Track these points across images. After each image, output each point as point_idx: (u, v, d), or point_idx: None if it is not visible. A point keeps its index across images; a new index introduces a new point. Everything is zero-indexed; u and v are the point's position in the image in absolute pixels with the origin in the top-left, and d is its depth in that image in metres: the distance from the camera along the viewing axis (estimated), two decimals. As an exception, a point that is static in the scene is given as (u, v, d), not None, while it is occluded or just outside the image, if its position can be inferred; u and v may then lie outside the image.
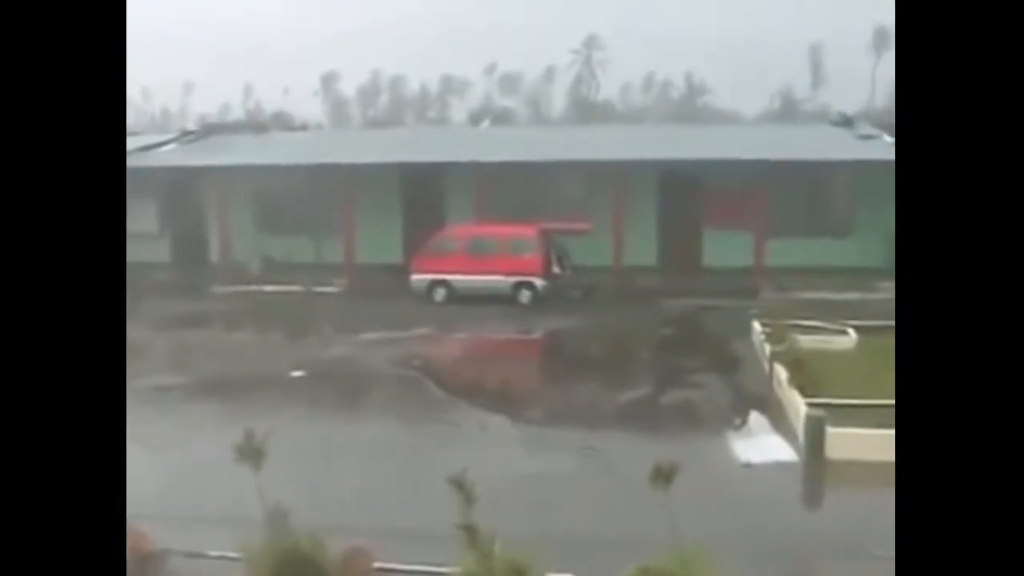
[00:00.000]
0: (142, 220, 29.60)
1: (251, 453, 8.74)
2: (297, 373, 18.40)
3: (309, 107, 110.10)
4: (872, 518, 10.06)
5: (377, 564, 8.78)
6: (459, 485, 7.56)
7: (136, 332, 22.29)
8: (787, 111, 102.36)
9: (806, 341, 17.43)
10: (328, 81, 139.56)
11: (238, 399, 16.99)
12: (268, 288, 27.19)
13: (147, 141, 32.50)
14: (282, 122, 66.36)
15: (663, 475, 7.81)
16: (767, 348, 17.37)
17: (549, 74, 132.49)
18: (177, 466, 12.80)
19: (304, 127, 56.41)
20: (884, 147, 28.19)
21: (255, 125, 48.70)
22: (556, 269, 25.29)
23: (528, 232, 25.21)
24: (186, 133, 37.03)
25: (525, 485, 11.77)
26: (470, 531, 8.04)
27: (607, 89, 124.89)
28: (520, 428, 15.08)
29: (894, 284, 4.57)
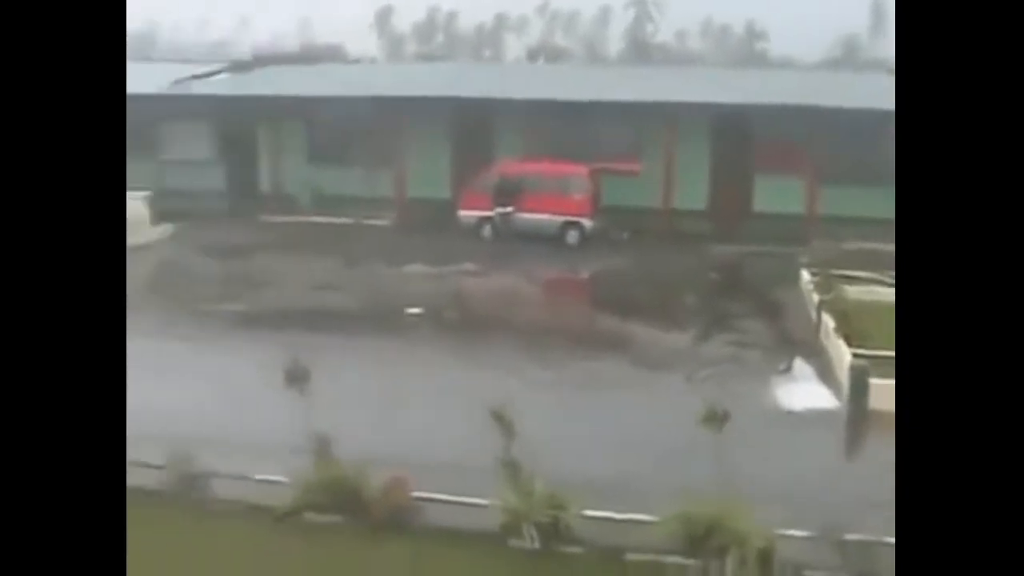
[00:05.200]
0: (198, 146, 29.72)
1: (298, 377, 8.90)
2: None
3: (364, 43, 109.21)
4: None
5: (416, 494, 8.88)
6: (499, 418, 7.57)
7: (187, 259, 22.74)
8: (848, 59, 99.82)
9: (854, 291, 17.24)
10: (383, 16, 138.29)
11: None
12: (317, 219, 27.35)
13: (200, 70, 32.55)
14: (336, 56, 66.00)
15: (716, 419, 7.82)
16: (815, 297, 17.24)
17: (605, 15, 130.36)
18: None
19: (357, 61, 56.10)
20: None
21: (308, 57, 48.44)
22: None
23: (578, 171, 25.01)
24: (238, 63, 36.96)
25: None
26: (511, 467, 8.10)
27: (664, 33, 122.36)
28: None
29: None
